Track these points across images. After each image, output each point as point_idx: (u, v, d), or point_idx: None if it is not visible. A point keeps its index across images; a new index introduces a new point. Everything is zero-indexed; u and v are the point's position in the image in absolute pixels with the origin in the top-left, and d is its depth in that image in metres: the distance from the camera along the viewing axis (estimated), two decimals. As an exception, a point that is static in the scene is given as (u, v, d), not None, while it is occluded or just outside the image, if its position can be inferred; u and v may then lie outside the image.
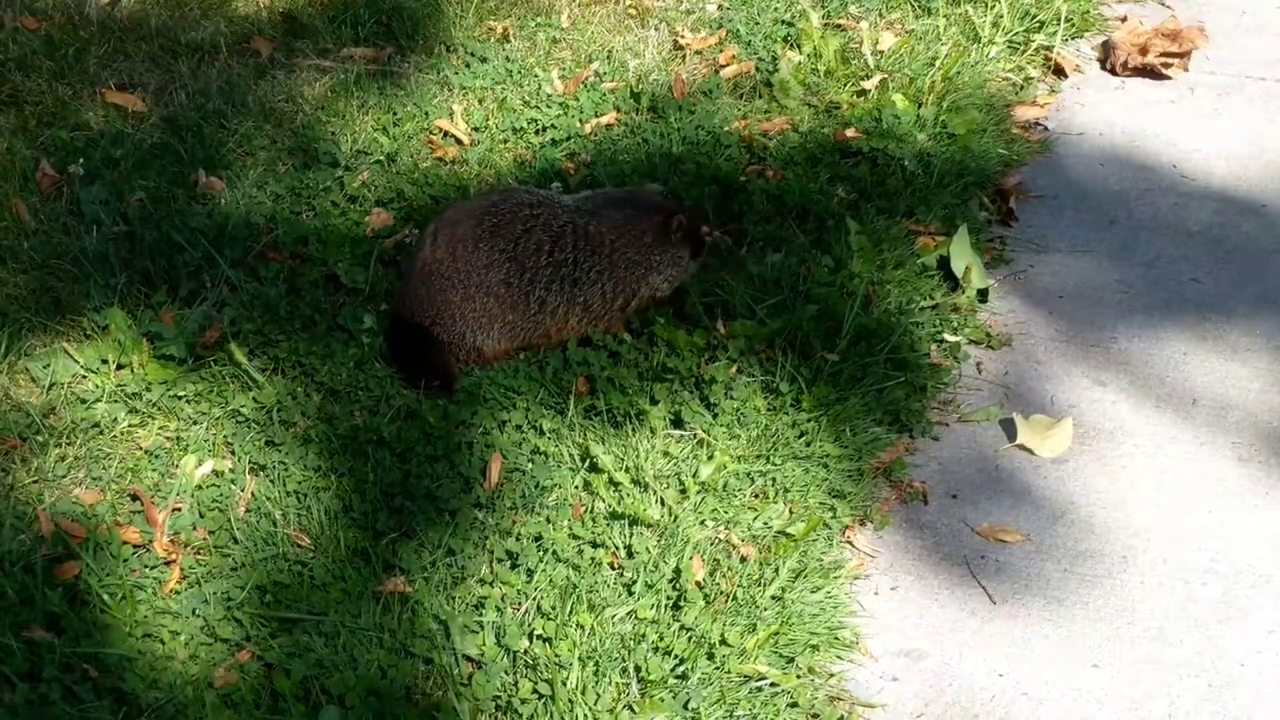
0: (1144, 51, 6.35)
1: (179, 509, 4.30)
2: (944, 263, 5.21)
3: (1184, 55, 6.36)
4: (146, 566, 4.15)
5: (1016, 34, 6.36)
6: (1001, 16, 6.36)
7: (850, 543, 4.40)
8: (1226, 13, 6.76)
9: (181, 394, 4.62)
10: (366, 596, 4.04)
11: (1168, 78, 6.35)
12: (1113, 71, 6.41)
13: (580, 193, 5.13)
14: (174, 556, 4.16)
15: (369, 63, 6.11)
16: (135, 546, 4.19)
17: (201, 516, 4.28)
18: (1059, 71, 6.38)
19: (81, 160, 5.50)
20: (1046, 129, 6.07)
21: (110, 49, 6.21)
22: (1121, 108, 6.21)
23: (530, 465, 4.41)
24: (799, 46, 6.16)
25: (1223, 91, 6.29)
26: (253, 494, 4.33)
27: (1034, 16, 6.45)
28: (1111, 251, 5.46)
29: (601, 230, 4.80)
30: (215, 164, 5.57)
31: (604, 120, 5.82)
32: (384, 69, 6.08)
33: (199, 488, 4.36)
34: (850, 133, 5.71)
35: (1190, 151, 5.94)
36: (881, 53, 6.15)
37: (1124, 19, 6.65)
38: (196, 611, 4.03)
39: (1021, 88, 6.21)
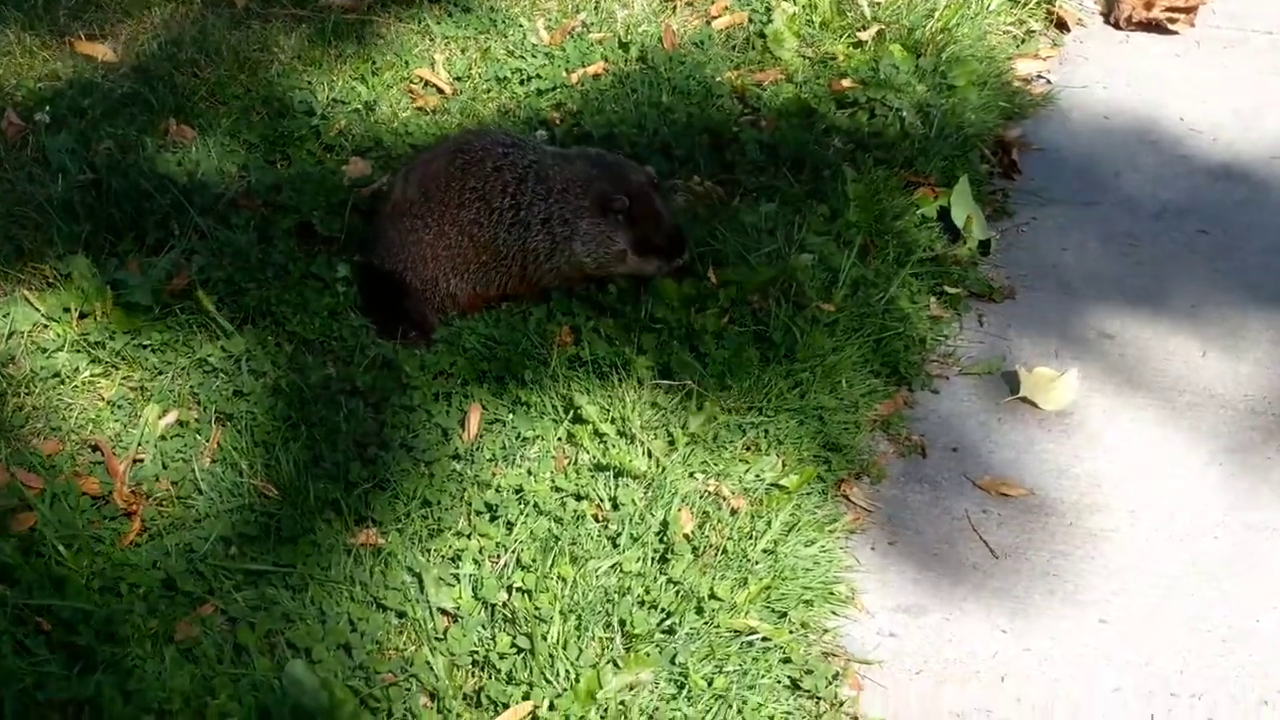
0: (1149, 6, 6.15)
1: (141, 459, 4.10)
2: (944, 214, 5.03)
3: (1190, 10, 6.16)
4: (106, 518, 3.94)
5: (1019, -15, 6.17)
6: (1002, -32, 6.16)
7: (846, 497, 4.20)
8: (1232, -33, 6.57)
9: (146, 343, 4.41)
10: (337, 549, 3.84)
11: (1173, 33, 6.16)
12: (1116, 26, 6.21)
13: (575, 147, 4.90)
14: (135, 508, 3.96)
15: (347, 12, 5.90)
16: (94, 498, 3.98)
17: (165, 467, 4.08)
18: (1061, 25, 6.18)
19: (48, 108, 5.29)
20: (1049, 82, 5.88)
21: (80, 1, 6.01)
22: (1126, 61, 6.02)
23: (511, 416, 4.22)
24: (793, -3, 5.96)
25: (1229, 45, 6.10)
26: (219, 444, 4.13)
27: (1036, -33, 6.25)
28: (1117, 204, 5.27)
29: (554, 176, 4.55)
30: (187, 113, 5.36)
31: (591, 70, 5.61)
32: (363, 18, 5.88)
33: (163, 438, 4.16)
34: (846, 83, 5.51)
35: (1197, 103, 5.75)
36: (878, 4, 5.95)
37: (1128, -27, 6.45)
38: (158, 564, 3.82)
39: (1023, 41, 6.02)
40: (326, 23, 5.82)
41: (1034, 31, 6.09)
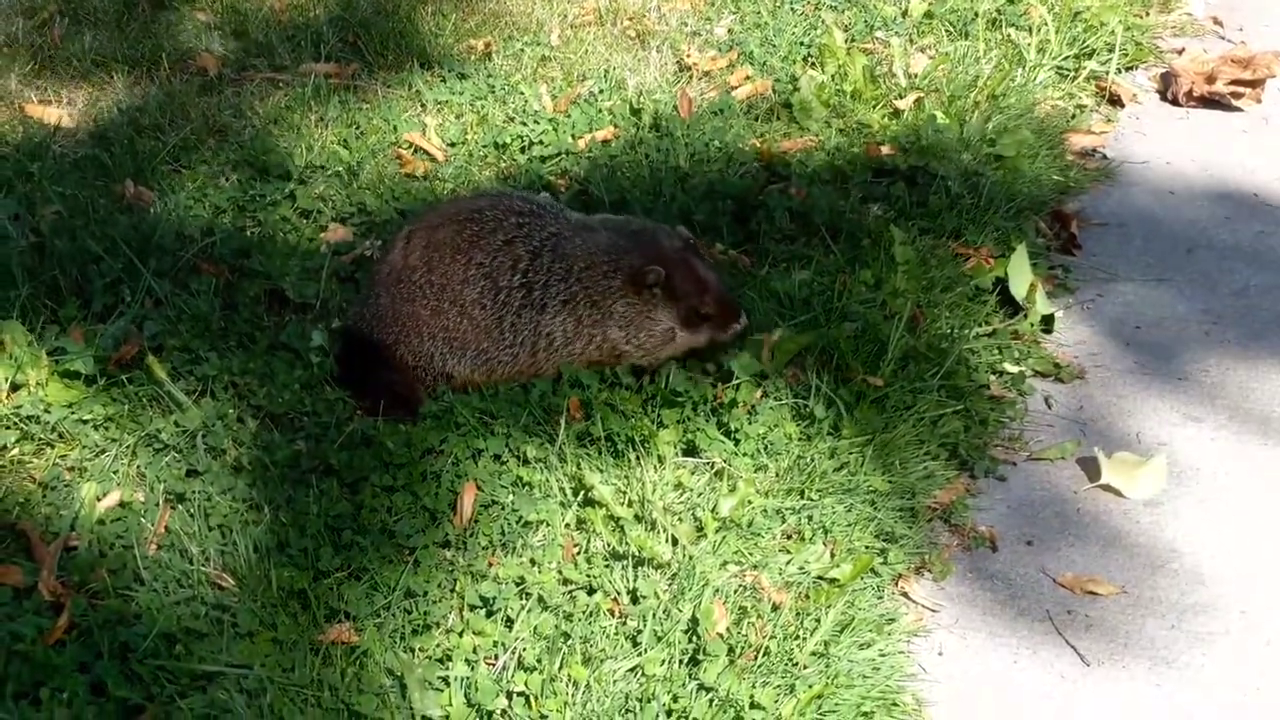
0: (1211, 80, 5.63)
1: (74, 546, 3.47)
2: (1000, 287, 4.44)
3: (1258, 84, 5.64)
4: (28, 612, 3.29)
5: (1066, 59, 5.64)
6: (1048, 41, 5.63)
7: (905, 594, 3.58)
8: (1294, 46, 6.05)
9: (88, 417, 3.82)
10: (302, 646, 3.24)
11: (1237, 109, 5.64)
12: (1174, 102, 5.68)
13: (598, 215, 4.28)
14: (63, 600, 3.31)
15: (330, 78, 5.35)
16: (16, 590, 3.34)
17: (102, 555, 3.46)
18: (1114, 101, 5.65)
19: (-9, 173, 4.73)
20: (1106, 157, 5.33)
21: (37, 67, 5.46)
22: (1188, 137, 5.48)
23: (511, 497, 3.60)
24: (821, 66, 5.42)
25: (1301, 122, 5.59)
26: (166, 529, 3.51)
27: (1083, 43, 5.72)
28: (1193, 280, 4.70)
29: (575, 252, 3.97)
30: (147, 176, 4.80)
31: (600, 136, 5.07)
32: (348, 84, 5.32)
33: (100, 522, 3.55)
34: (885, 150, 4.95)
35: (1272, 180, 5.21)
36: (914, 74, 5.41)
37: (1181, 51, 5.93)
38: (86, 665, 3.18)
39: (1074, 115, 5.47)
40: (306, 88, 5.26)
41: (1085, 106, 5.55)
